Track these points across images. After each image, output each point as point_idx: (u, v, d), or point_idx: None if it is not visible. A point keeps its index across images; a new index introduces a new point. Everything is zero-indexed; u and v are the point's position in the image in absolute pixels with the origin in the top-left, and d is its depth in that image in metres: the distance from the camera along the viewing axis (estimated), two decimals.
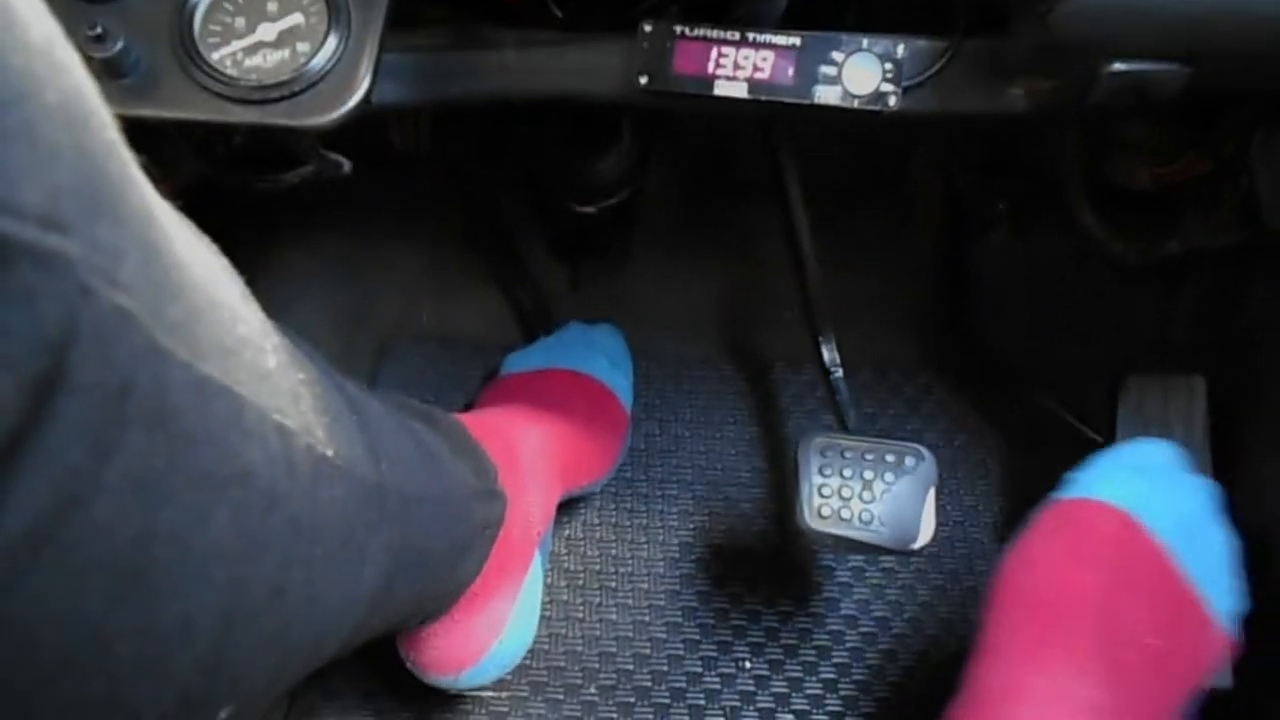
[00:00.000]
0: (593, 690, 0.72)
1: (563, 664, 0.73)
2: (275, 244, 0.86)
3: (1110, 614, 0.54)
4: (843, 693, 0.72)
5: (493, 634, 0.62)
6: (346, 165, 0.55)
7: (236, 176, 0.57)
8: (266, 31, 0.47)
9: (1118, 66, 0.46)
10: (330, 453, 0.39)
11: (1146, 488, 0.57)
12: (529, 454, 0.66)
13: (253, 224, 0.87)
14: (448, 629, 0.61)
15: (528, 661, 0.70)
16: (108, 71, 0.46)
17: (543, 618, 0.74)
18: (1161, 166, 0.67)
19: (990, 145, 0.84)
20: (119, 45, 0.45)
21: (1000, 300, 0.87)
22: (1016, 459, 0.82)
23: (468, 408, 0.77)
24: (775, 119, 0.67)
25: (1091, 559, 0.55)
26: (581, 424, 0.72)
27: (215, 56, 0.46)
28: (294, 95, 0.46)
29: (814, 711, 0.71)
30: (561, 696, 0.71)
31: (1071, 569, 0.54)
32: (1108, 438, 0.67)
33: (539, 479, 0.66)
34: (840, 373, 0.66)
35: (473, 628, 0.61)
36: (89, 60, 0.45)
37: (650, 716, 0.71)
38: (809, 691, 0.72)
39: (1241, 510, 0.60)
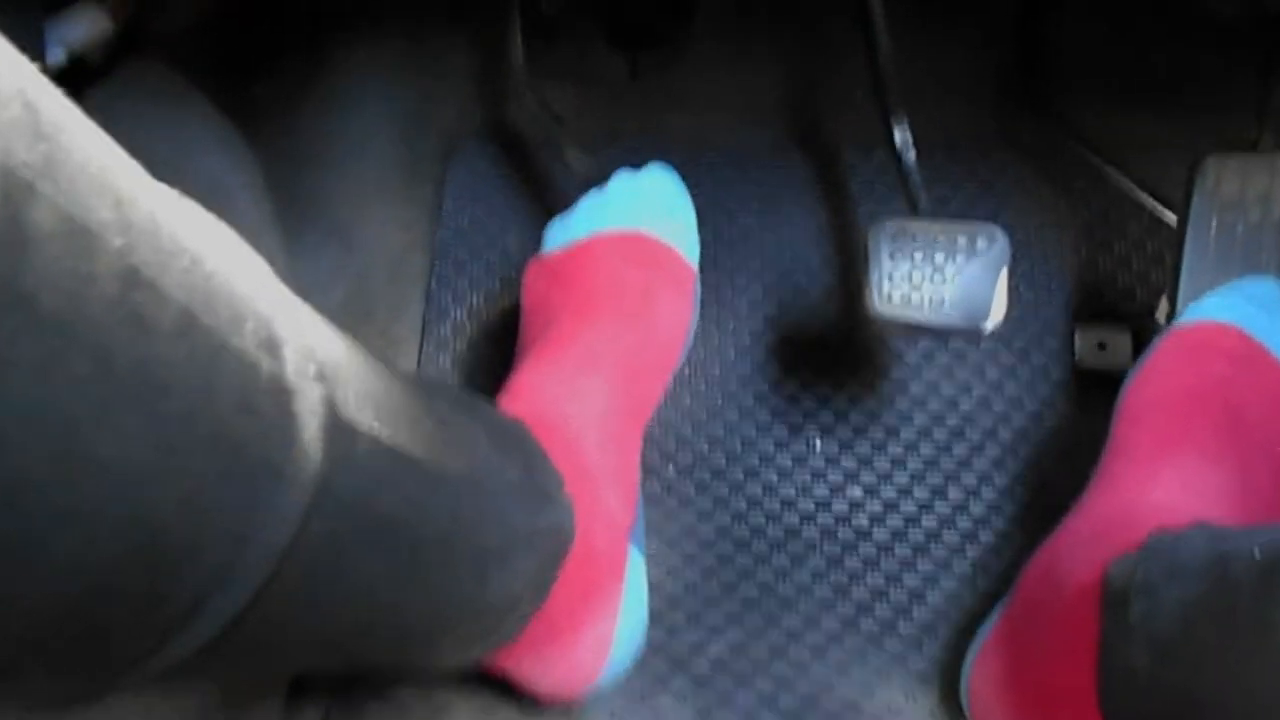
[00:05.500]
0: (671, 471, 0.76)
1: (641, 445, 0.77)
2: (332, 50, 0.85)
3: (1235, 415, 0.56)
4: (910, 468, 0.75)
5: (601, 657, 0.58)
6: None
7: None
8: None
9: None
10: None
11: (1259, 312, 0.59)
12: (595, 442, 0.59)
13: (310, 32, 0.86)
14: (546, 669, 0.57)
15: None
16: None
17: None
18: None
19: None
20: None
21: (1081, 70, 0.82)
22: (1094, 237, 0.80)
23: (538, 224, 0.74)
24: None
25: (1213, 366, 0.58)
26: (642, 312, 0.66)
27: None
28: None
29: (882, 485, 0.74)
30: (640, 476, 0.76)
31: (1195, 376, 0.58)
32: (1181, 219, 0.65)
33: (611, 465, 0.60)
34: (912, 154, 0.65)
35: (577, 662, 0.57)
36: None
37: (726, 492, 0.75)
38: (878, 468, 0.75)
39: None
